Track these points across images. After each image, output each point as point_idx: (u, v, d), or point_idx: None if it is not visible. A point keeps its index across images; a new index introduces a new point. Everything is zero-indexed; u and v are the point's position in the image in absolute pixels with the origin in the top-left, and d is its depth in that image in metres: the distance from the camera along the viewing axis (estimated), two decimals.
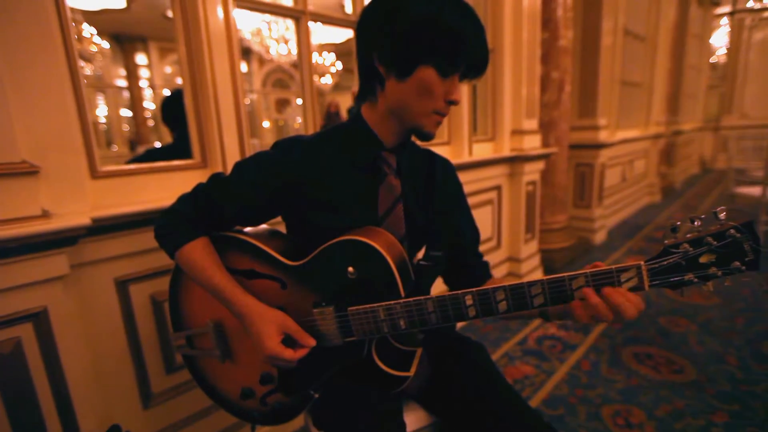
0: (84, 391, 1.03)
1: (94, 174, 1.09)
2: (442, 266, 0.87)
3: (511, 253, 2.72)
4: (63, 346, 0.98)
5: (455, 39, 0.66)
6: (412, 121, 0.73)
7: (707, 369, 1.83)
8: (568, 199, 3.67)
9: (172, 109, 1.58)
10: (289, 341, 0.74)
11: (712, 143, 8.54)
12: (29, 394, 0.94)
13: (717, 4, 7.74)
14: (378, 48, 0.70)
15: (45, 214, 0.92)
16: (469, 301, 0.67)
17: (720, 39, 8.25)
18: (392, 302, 0.71)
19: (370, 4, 0.72)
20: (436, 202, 0.85)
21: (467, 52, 0.68)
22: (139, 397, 1.20)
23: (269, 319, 0.73)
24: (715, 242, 0.57)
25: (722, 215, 0.56)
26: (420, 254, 0.87)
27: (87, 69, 4.34)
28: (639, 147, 4.95)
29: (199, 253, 0.79)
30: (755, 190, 3.52)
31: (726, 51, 8.15)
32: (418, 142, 0.90)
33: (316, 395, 0.81)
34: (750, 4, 7.71)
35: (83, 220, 0.95)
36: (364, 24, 0.73)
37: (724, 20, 8.12)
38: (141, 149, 4.51)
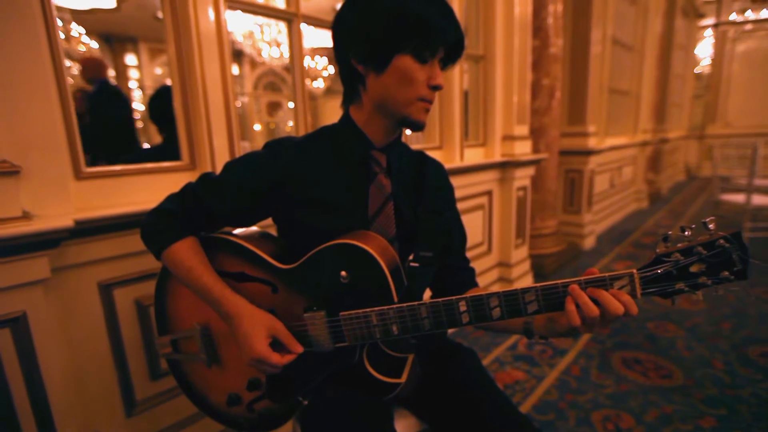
0: (64, 399, 0.99)
1: (79, 175, 1.06)
2: (434, 268, 0.86)
3: (501, 258, 2.72)
4: (42, 352, 0.94)
5: (422, 26, 0.67)
6: (398, 112, 0.74)
7: (695, 374, 1.85)
8: (558, 205, 3.70)
9: (160, 105, 1.53)
10: (276, 346, 0.73)
11: (696, 151, 8.73)
12: (5, 402, 0.90)
13: (702, 16, 7.96)
14: (353, 48, 0.72)
15: (26, 216, 0.89)
16: (462, 307, 0.67)
17: (704, 50, 8.47)
18: (385, 307, 0.70)
19: (340, 9, 0.75)
20: (427, 202, 0.85)
21: (437, 36, 0.69)
22: (122, 404, 1.16)
23: (258, 320, 0.72)
24: (705, 252, 0.57)
25: (711, 225, 0.57)
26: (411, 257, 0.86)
27: (75, 69, 4.27)
28: (627, 154, 5.03)
29: (186, 252, 0.77)
30: (739, 197, 3.60)
31: (710, 62, 8.37)
32: (412, 147, 0.90)
33: (305, 402, 0.79)
34: (733, 17, 7.94)
35: (66, 221, 0.92)
36: (337, 29, 0.75)
37: (709, 32, 8.34)
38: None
